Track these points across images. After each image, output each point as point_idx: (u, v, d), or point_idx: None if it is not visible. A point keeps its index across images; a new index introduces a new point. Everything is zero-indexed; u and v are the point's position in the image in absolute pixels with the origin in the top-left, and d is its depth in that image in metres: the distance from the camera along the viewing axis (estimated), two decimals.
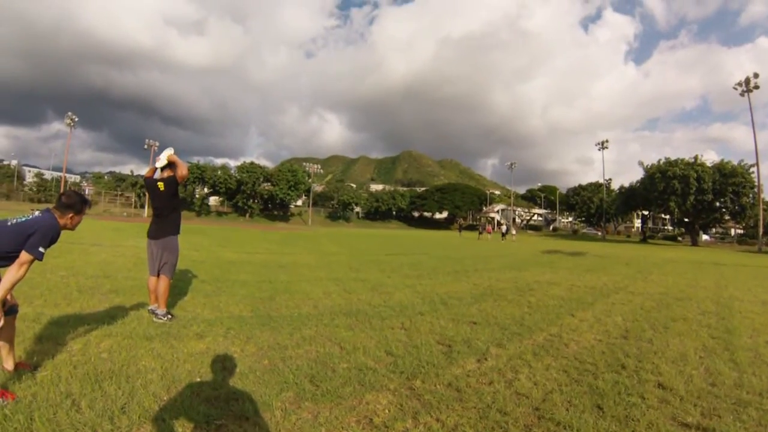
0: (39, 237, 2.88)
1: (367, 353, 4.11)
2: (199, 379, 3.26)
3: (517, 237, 44.94)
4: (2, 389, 2.84)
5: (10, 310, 3.06)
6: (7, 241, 2.83)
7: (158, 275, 5.06)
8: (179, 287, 6.93)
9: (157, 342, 4.07)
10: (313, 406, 2.91)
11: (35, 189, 73.90)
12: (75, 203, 3.14)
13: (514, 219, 67.81)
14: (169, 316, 4.97)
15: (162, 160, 5.03)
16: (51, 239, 3.00)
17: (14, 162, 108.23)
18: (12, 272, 2.81)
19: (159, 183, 5.05)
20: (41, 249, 2.88)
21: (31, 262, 2.87)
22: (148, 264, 5.18)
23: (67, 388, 2.94)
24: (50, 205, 3.19)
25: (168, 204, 5.11)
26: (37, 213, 3.06)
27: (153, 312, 5.00)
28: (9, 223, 2.90)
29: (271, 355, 3.92)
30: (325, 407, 2.91)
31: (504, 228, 45.20)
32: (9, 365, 3.11)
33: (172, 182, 5.05)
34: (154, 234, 5.08)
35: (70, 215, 3.13)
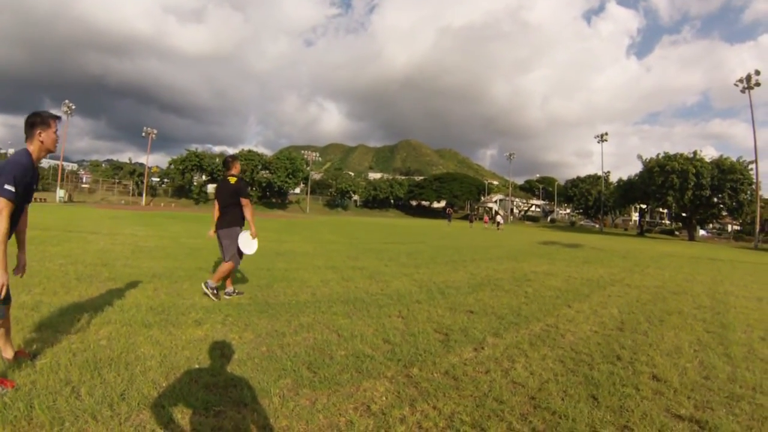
0: (3, 176, 2.62)
1: (364, 341, 4.13)
2: (197, 366, 3.28)
3: (503, 227, 45.28)
4: (1, 377, 2.84)
5: (5, 300, 2.91)
6: None
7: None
8: (178, 275, 6.95)
9: (156, 329, 4.08)
10: (310, 393, 2.93)
11: None
12: (36, 118, 2.87)
13: (496, 212, 68.05)
14: (215, 292, 5.50)
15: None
16: (20, 173, 2.70)
17: (11, 150, 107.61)
18: None
19: (231, 177, 5.70)
20: (6, 186, 2.60)
21: (9, 208, 2.63)
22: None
23: (67, 376, 2.95)
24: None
25: (230, 199, 5.63)
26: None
27: (227, 293, 5.73)
28: None
29: (269, 342, 3.94)
30: (322, 394, 2.93)
31: (499, 218, 46.02)
32: (8, 354, 3.09)
33: (243, 185, 5.71)
34: (219, 225, 5.68)
35: (38, 132, 2.86)
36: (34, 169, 2.88)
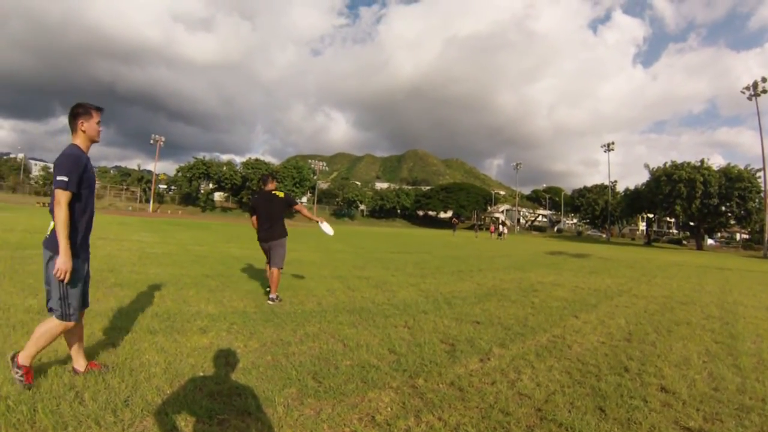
0: (56, 169, 2.79)
1: (370, 351, 4.11)
2: (202, 374, 3.27)
3: (506, 237, 45.45)
4: (91, 362, 3.15)
5: (83, 304, 3.06)
6: (52, 199, 2.82)
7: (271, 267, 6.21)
8: (183, 282, 6.97)
9: (161, 336, 4.09)
10: (315, 403, 2.92)
11: (41, 182, 74.16)
12: (79, 109, 2.96)
13: (503, 222, 68.27)
14: (278, 300, 6.05)
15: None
16: (70, 163, 2.81)
17: (21, 155, 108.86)
18: (56, 214, 2.76)
19: (278, 192, 6.29)
20: (60, 177, 2.75)
21: (65, 196, 2.76)
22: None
23: (71, 380, 2.96)
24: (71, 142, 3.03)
25: (279, 213, 6.27)
26: None
27: (270, 298, 6.07)
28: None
29: (274, 351, 3.93)
30: (327, 404, 2.91)
31: (502, 228, 46.36)
32: (80, 365, 3.09)
33: (290, 199, 6.38)
34: (270, 237, 6.18)
35: (81, 122, 2.95)
36: (87, 159, 2.99)
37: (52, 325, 2.88)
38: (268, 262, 6.34)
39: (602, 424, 2.83)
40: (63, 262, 2.74)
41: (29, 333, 3.79)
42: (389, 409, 2.91)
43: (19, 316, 4.33)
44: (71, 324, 2.93)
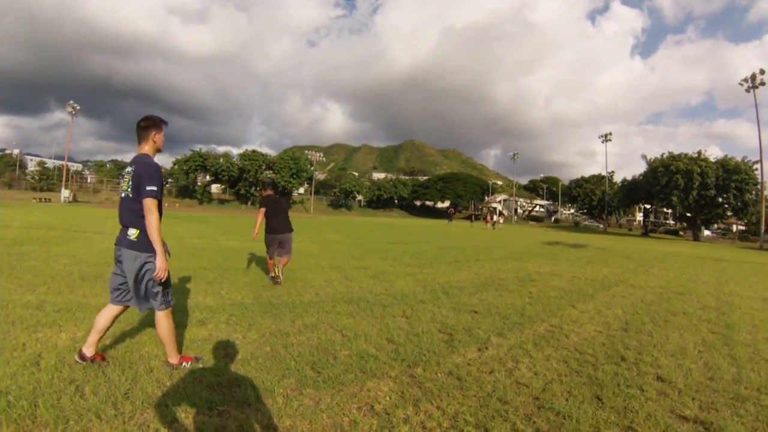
0: (145, 179, 3.00)
1: (368, 341, 4.13)
2: (201, 366, 3.29)
3: (501, 226, 45.92)
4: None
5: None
6: (133, 206, 3.04)
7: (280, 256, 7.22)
8: (182, 274, 6.96)
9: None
10: (314, 393, 2.93)
11: (37, 178, 73.68)
12: (150, 122, 3.19)
13: (500, 211, 68.61)
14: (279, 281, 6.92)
15: None
16: (157, 174, 3.07)
17: (16, 151, 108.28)
18: (148, 221, 2.99)
19: (281, 198, 7.78)
20: (150, 187, 2.99)
21: (155, 204, 3.01)
22: (267, 247, 7.20)
23: (71, 374, 2.96)
24: (139, 152, 3.22)
25: (286, 211, 7.49)
26: (127, 168, 3.15)
27: (273, 278, 6.99)
28: (123, 195, 3.10)
29: (273, 342, 3.94)
30: (326, 394, 2.93)
31: (495, 218, 46.74)
32: (89, 352, 3.16)
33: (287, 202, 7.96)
34: (282, 230, 7.19)
35: (153, 134, 3.19)
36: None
37: (163, 319, 3.19)
38: (271, 253, 7.13)
39: (599, 413, 2.86)
40: (162, 262, 3.05)
41: (27, 329, 3.81)
42: (388, 398, 2.94)
43: (18, 312, 4.32)
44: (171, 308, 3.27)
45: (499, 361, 3.79)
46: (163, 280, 3.11)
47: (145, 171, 3.03)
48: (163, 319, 3.19)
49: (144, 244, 3.05)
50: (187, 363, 3.25)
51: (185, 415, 2.55)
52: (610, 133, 65.60)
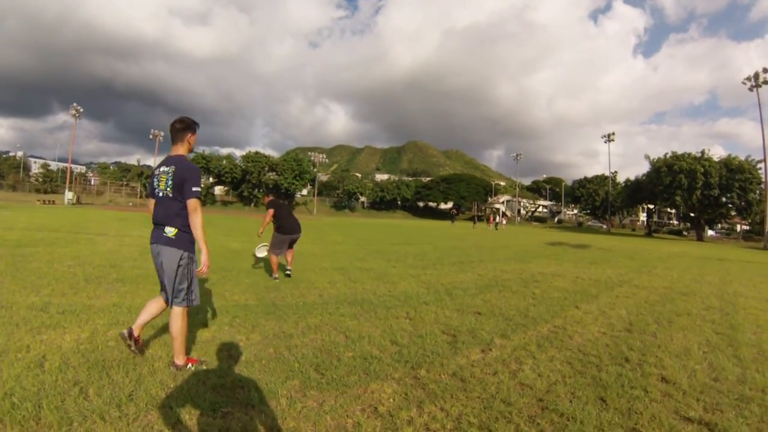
0: (191, 182, 3.15)
1: (372, 342, 4.13)
2: (205, 367, 3.29)
3: (502, 227, 45.93)
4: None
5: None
6: (172, 205, 3.17)
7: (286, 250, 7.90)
8: None
9: (163, 330, 4.10)
10: (318, 395, 2.94)
11: (41, 180, 73.88)
12: (185, 124, 3.32)
13: (503, 212, 68.58)
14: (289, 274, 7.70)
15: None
16: (200, 177, 3.25)
17: (20, 153, 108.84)
18: (194, 221, 3.16)
19: (285, 202, 8.40)
20: (195, 189, 3.17)
21: (200, 204, 3.20)
22: (276, 248, 7.70)
23: (75, 376, 2.97)
24: (172, 154, 3.33)
25: (292, 213, 8.20)
26: (163, 168, 3.24)
27: (286, 271, 7.75)
28: (161, 194, 3.21)
29: (277, 344, 3.95)
30: (330, 396, 2.93)
31: (498, 218, 46.78)
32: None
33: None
34: (296, 229, 7.90)
35: (189, 136, 3.34)
36: None
37: (178, 316, 3.25)
38: (278, 252, 7.69)
39: (603, 414, 2.85)
40: (207, 259, 3.22)
41: (32, 330, 3.83)
42: (392, 400, 2.93)
43: (22, 314, 4.34)
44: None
45: (502, 362, 3.79)
46: (204, 275, 3.21)
47: (190, 174, 3.17)
48: (178, 315, 3.24)
49: (182, 242, 3.19)
50: (192, 365, 3.26)
51: (189, 416, 2.55)
52: (613, 133, 65.41)
